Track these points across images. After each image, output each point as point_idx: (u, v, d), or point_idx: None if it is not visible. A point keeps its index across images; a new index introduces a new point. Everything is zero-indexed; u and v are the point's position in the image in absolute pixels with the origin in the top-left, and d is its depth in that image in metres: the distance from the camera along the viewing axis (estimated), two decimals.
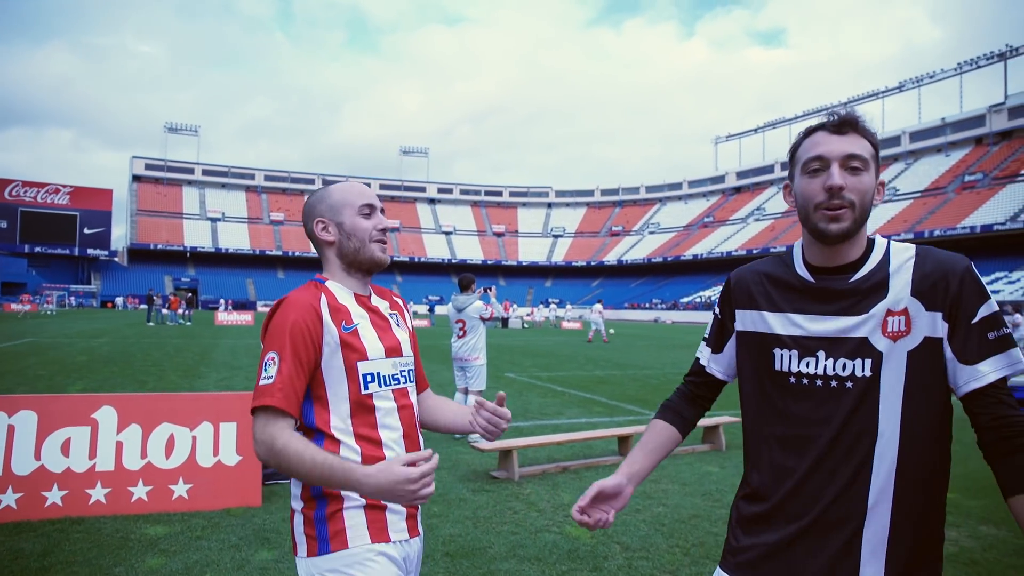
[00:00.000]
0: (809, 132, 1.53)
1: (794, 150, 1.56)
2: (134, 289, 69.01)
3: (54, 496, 4.68)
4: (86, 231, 73.73)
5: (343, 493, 1.64)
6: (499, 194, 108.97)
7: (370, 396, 1.72)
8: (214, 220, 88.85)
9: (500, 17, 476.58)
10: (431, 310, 51.85)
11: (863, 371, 1.43)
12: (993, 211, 57.27)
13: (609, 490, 1.56)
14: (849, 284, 1.47)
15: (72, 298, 64.20)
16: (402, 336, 1.88)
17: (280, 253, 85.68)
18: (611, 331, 35.06)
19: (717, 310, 1.71)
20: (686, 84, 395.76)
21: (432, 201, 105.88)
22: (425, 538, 4.23)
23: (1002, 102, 68.07)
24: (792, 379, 1.50)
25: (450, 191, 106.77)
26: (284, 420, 1.61)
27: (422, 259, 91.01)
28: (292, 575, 3.79)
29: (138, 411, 4.97)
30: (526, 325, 46.46)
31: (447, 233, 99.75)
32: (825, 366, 1.46)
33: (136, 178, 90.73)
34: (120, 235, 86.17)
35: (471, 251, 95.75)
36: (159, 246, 79.42)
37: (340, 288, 1.82)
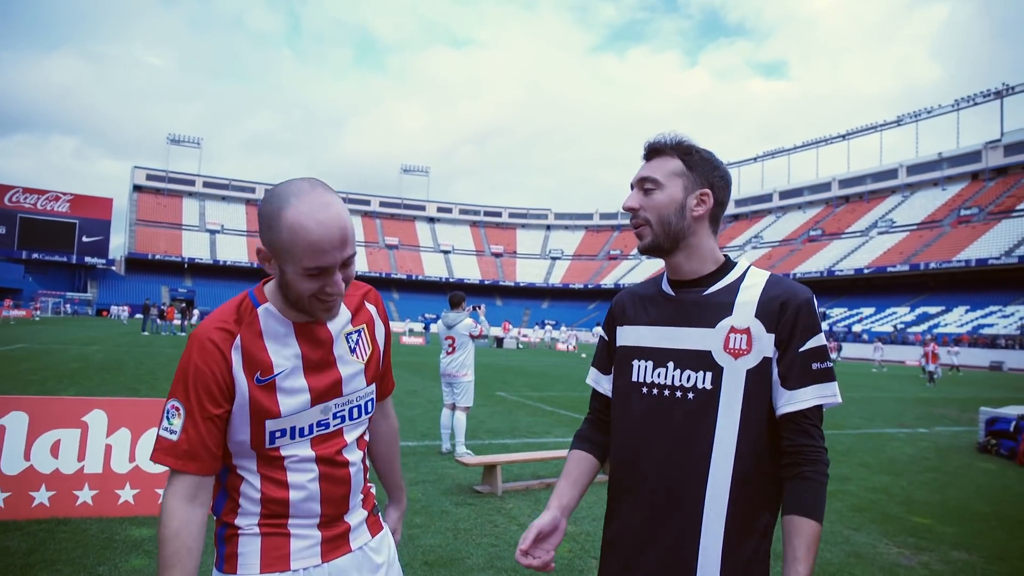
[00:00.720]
0: None
1: None
2: (131, 298, 68.94)
3: (42, 496, 4.75)
4: (84, 239, 73.78)
5: (239, 519, 1.55)
6: (498, 215, 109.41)
7: (276, 449, 1.53)
8: (213, 232, 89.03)
9: (506, 40, 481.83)
10: (427, 328, 51.85)
11: (704, 383, 1.49)
12: (988, 245, 57.61)
13: (547, 528, 1.58)
14: (701, 297, 1.55)
15: (68, 305, 64.12)
16: (351, 371, 1.61)
17: None
18: (582, 355, 35.16)
19: (603, 333, 1.77)
20: (688, 112, 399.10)
21: (431, 220, 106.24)
22: (404, 548, 4.31)
23: (998, 139, 68.76)
24: (644, 388, 1.57)
25: (450, 210, 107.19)
26: (184, 477, 1.44)
27: (420, 277, 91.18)
28: None
29: (128, 415, 5.06)
30: (521, 345, 46.53)
31: (445, 252, 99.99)
32: (673, 376, 1.52)
33: (137, 188, 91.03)
34: (119, 244, 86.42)
35: (469, 271, 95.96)
36: (157, 256, 79.50)
37: (273, 318, 1.53)
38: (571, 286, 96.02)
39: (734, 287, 1.54)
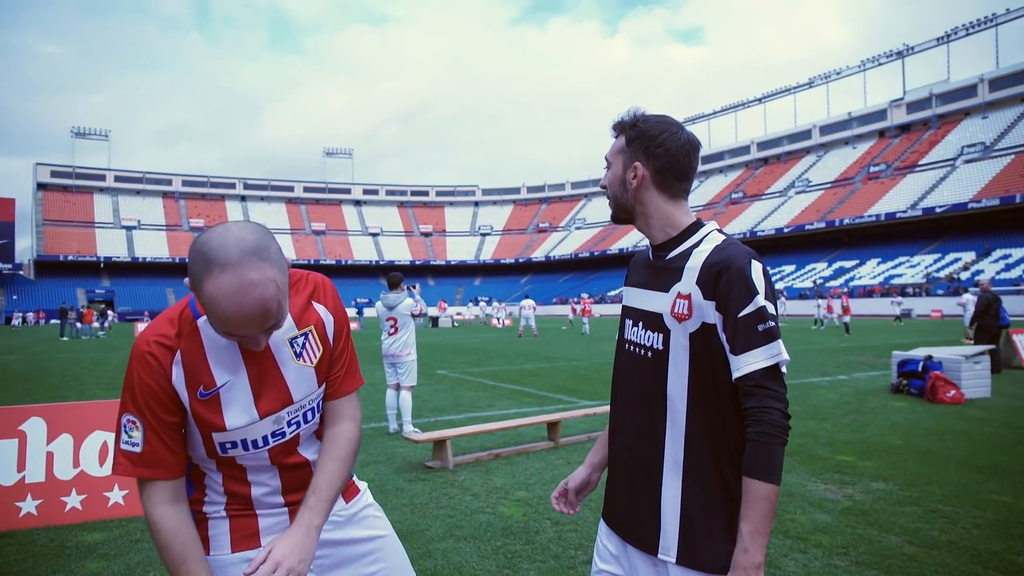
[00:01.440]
0: None
1: None
2: (44, 303, 65.65)
3: None
4: None
5: (206, 506, 1.59)
6: (425, 194, 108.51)
7: (232, 458, 1.56)
8: (129, 228, 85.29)
9: (424, 16, 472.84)
10: (360, 313, 51.29)
11: (657, 344, 1.61)
12: (896, 200, 60.70)
13: (579, 484, 1.89)
14: (663, 262, 1.66)
15: None
16: (298, 377, 1.57)
17: None
18: (533, 325, 35.56)
19: None
20: (610, 81, 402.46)
21: (358, 203, 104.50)
22: None
23: (901, 97, 72.19)
24: (627, 345, 1.74)
25: (376, 192, 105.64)
26: (158, 484, 1.48)
27: (349, 262, 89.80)
28: None
29: (68, 421, 4.95)
30: (456, 324, 46.62)
31: (374, 235, 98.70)
32: (641, 335, 1.66)
33: (41, 186, 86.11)
34: (25, 247, 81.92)
35: (399, 252, 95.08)
36: (69, 257, 75.70)
37: (214, 330, 1.46)
38: (502, 261, 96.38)
39: (687, 253, 1.60)
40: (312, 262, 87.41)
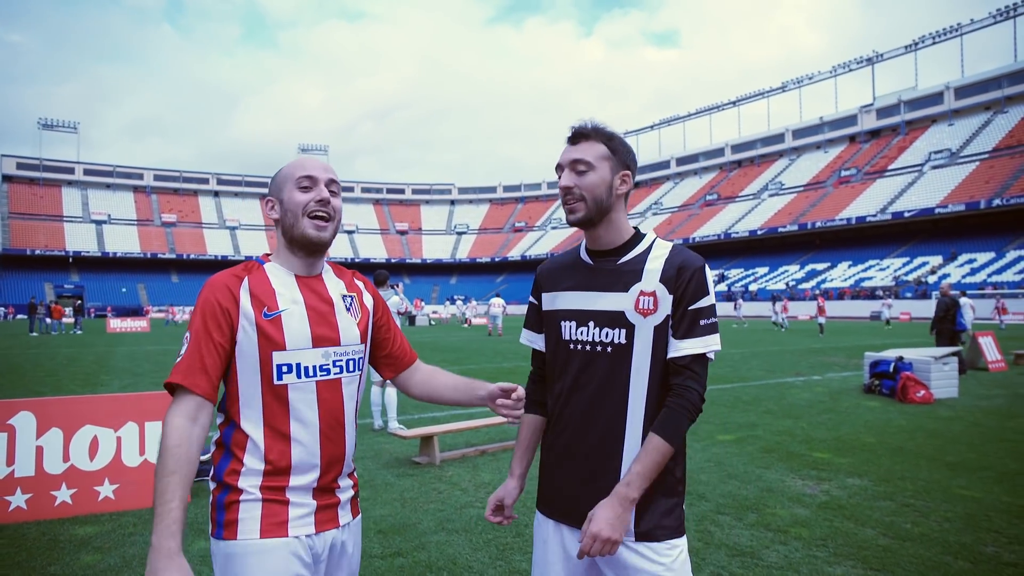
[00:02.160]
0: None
1: None
2: (10, 298, 64.31)
3: None
4: None
5: (242, 479, 1.66)
6: (401, 192, 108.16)
7: (284, 387, 1.67)
8: (99, 223, 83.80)
9: (402, 14, 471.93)
10: None
11: (619, 339, 1.75)
12: (866, 204, 61.85)
13: (507, 498, 1.96)
14: (616, 265, 1.81)
15: None
16: (346, 323, 1.79)
17: (174, 256, 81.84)
18: (500, 326, 35.72)
19: (532, 298, 2.02)
20: (585, 82, 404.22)
21: None
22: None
23: (871, 103, 73.56)
24: (572, 345, 1.82)
25: (351, 189, 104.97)
26: (187, 397, 1.60)
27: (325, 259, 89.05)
28: None
29: (58, 415, 4.94)
30: (432, 322, 46.61)
31: (349, 232, 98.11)
32: (593, 333, 1.78)
33: (7, 178, 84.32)
34: None
35: (374, 250, 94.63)
36: (37, 251, 74.20)
37: (278, 270, 1.77)
38: (478, 260, 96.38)
39: (642, 257, 1.80)
40: None
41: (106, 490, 4.96)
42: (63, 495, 4.86)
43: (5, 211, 79.55)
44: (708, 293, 1.76)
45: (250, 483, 1.65)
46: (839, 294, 51.44)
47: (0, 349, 21.78)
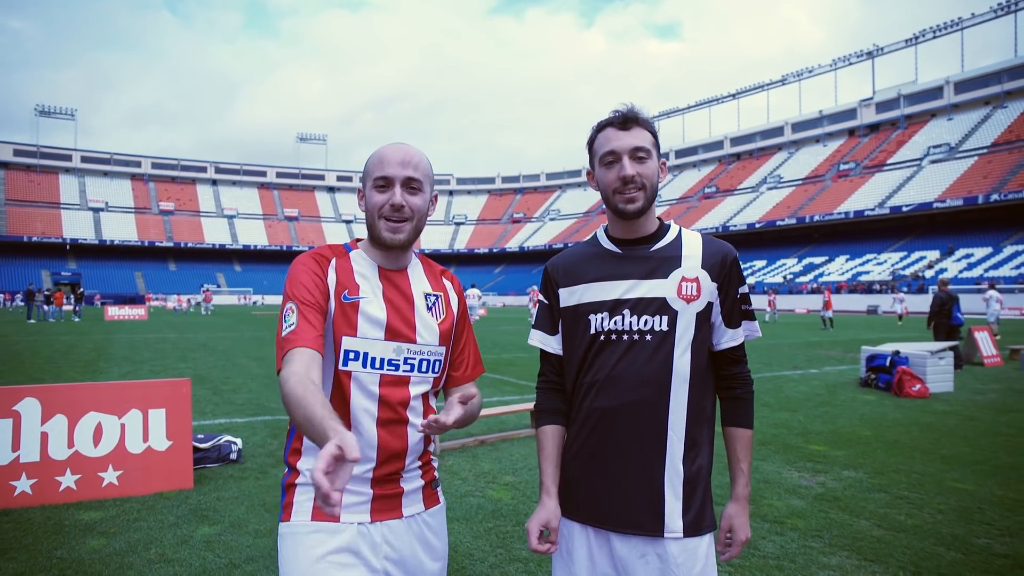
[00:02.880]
0: (600, 128, 1.77)
1: (591, 143, 1.80)
2: (7, 285, 64.20)
3: None
4: None
5: (302, 460, 1.66)
6: None
7: (348, 373, 1.65)
8: (96, 210, 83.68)
9: (403, 4, 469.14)
10: None
11: (661, 326, 1.71)
12: (865, 198, 61.92)
13: (549, 522, 1.76)
14: (650, 252, 1.76)
15: None
16: (425, 322, 1.74)
17: (171, 244, 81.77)
18: (477, 316, 35.79)
19: (542, 298, 1.91)
20: (586, 74, 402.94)
21: (331, 189, 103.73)
22: None
23: (870, 97, 73.53)
24: (602, 336, 1.75)
25: (349, 179, 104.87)
26: (304, 355, 1.53)
27: None
28: (237, 546, 4.03)
29: (63, 402, 4.98)
30: None
31: (347, 222, 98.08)
32: (630, 322, 1.72)
33: (3, 165, 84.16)
34: None
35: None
36: (34, 238, 74.07)
37: (363, 258, 1.76)
38: (476, 251, 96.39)
39: (676, 244, 1.77)
40: (285, 248, 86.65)
41: (110, 476, 5.01)
42: (67, 480, 4.91)
43: (2, 198, 79.39)
44: (745, 281, 1.82)
45: (308, 466, 1.66)
46: (836, 288, 51.56)
47: None
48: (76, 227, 78.85)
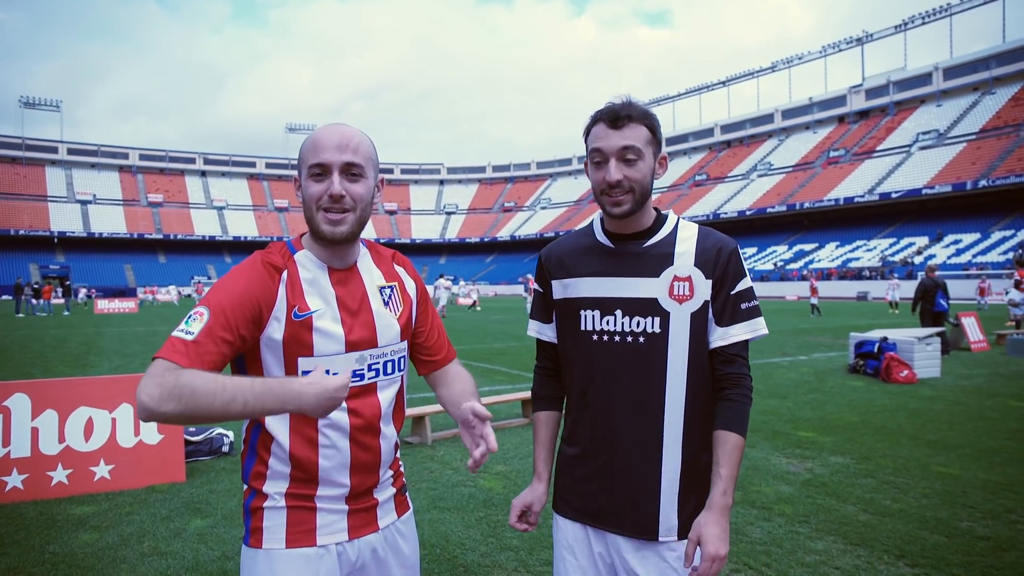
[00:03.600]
0: (593, 121, 1.66)
1: (586, 135, 1.69)
2: None
3: None
4: None
5: (268, 484, 1.55)
6: (390, 171, 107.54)
7: None
8: (84, 203, 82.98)
9: None
10: None
11: (652, 328, 1.64)
12: (854, 184, 62.12)
13: (533, 504, 1.81)
14: (642, 248, 1.68)
15: None
16: (385, 321, 1.63)
17: (160, 236, 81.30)
18: (477, 308, 35.82)
19: (537, 286, 1.88)
20: (577, 62, 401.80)
21: None
22: None
23: (860, 84, 73.63)
24: (594, 336, 1.69)
25: None
26: (172, 365, 1.33)
27: None
28: (230, 538, 4.06)
29: (53, 397, 4.98)
30: None
31: None
32: (622, 323, 1.66)
33: None
34: None
35: (364, 230, 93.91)
36: (21, 232, 73.44)
37: (309, 261, 1.58)
38: (467, 240, 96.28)
39: (670, 240, 1.68)
40: (275, 239, 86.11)
41: (102, 470, 5.02)
42: (59, 475, 4.91)
43: None
44: (746, 275, 1.68)
45: (276, 488, 1.55)
46: (826, 274, 51.81)
47: None
48: (64, 220, 78.21)
